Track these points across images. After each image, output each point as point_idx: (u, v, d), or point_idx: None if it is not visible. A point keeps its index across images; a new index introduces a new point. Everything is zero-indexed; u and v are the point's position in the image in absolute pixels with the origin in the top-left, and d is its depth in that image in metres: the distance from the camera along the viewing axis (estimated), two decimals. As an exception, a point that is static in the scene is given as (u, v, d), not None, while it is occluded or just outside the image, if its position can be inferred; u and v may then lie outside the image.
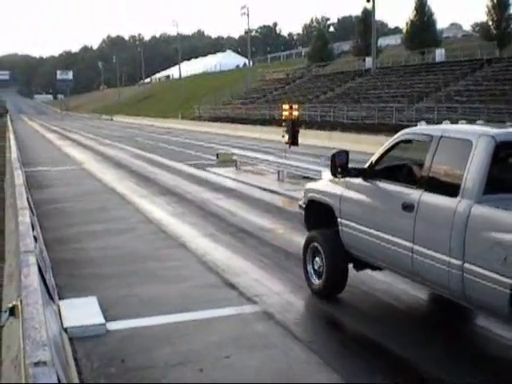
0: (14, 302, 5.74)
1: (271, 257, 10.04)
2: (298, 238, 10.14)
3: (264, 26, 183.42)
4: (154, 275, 9.04)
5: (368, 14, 62.39)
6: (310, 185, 8.76)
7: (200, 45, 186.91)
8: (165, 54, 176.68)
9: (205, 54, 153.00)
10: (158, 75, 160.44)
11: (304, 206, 8.47)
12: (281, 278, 8.77)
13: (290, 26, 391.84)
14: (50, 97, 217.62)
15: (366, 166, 7.30)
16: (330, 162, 7.49)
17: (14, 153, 21.72)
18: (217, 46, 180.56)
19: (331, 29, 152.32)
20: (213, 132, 52.91)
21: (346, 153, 7.38)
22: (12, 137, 34.89)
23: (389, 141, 7.24)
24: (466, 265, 5.45)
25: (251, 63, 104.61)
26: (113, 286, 8.53)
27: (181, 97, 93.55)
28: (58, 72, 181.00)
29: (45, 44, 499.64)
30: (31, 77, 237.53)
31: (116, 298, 7.89)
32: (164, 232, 12.15)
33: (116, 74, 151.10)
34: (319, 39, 78.64)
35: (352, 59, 68.77)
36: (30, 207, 11.11)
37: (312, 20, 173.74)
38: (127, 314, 7.37)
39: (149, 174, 22.55)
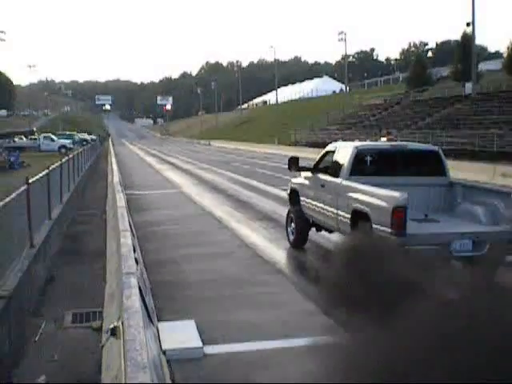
0: (115, 323, 5.87)
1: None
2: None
3: (361, 52, 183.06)
4: (252, 300, 9.05)
5: (468, 39, 60.96)
6: (292, 180, 13.93)
7: (297, 70, 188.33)
8: (262, 80, 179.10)
9: (301, 80, 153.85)
10: (255, 101, 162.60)
11: (288, 192, 13.93)
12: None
13: (388, 51, 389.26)
14: (151, 121, 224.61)
15: (314, 164, 12.59)
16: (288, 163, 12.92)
17: (115, 176, 22.45)
18: (313, 71, 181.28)
19: (429, 54, 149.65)
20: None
21: (297, 158, 12.89)
22: (114, 160, 36.14)
23: (322, 151, 12.83)
24: (339, 211, 10.63)
25: (348, 89, 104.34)
26: (211, 309, 8.59)
27: (277, 122, 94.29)
28: (159, 97, 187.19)
29: (146, 70, 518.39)
30: (132, 102, 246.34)
31: (213, 322, 7.94)
32: (261, 257, 12.17)
33: (214, 99, 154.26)
34: (417, 64, 77.50)
35: (451, 84, 67.23)
36: (131, 229, 11.38)
37: (410, 45, 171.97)
38: (224, 338, 7.39)
39: (245, 198, 22.71)
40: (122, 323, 5.49)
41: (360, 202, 9.75)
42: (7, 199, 8.14)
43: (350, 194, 10.18)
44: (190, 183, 29.19)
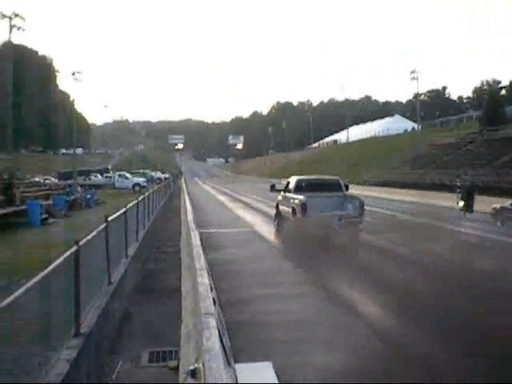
0: (195, 365, 5.81)
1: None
2: None
3: (433, 90, 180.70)
4: (328, 343, 8.85)
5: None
6: (278, 197, 24.62)
7: (367, 109, 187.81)
8: (333, 119, 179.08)
9: (372, 119, 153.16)
10: (325, 140, 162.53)
11: (275, 204, 24.80)
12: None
13: (460, 89, 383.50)
14: (222, 160, 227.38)
15: (283, 188, 24.22)
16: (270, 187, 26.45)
17: (189, 214, 22.66)
18: (384, 110, 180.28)
19: (503, 92, 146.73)
20: (380, 197, 52.26)
21: (274, 185, 26.78)
22: (187, 198, 36.57)
23: (288, 180, 24.30)
24: (288, 208, 22.09)
25: (420, 127, 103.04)
26: (287, 351, 8.45)
27: (348, 161, 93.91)
28: (230, 137, 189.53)
29: (217, 110, 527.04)
30: (204, 141, 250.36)
31: (290, 365, 7.78)
32: (336, 299, 11.95)
33: (284, 138, 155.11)
34: (491, 102, 76.03)
35: (526, 123, 65.53)
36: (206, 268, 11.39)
37: (483, 83, 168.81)
38: (302, 382, 7.23)
39: (317, 237, 22.51)
40: (203, 365, 5.43)
41: (293, 202, 21.45)
42: (89, 237, 8.27)
43: (291, 200, 21.88)
44: (261, 222, 29.17)
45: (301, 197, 20.58)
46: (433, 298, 11.83)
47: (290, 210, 21.35)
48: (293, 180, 23.18)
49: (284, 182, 25.78)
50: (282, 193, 23.75)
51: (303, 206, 20.01)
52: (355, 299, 12.01)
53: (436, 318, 10.17)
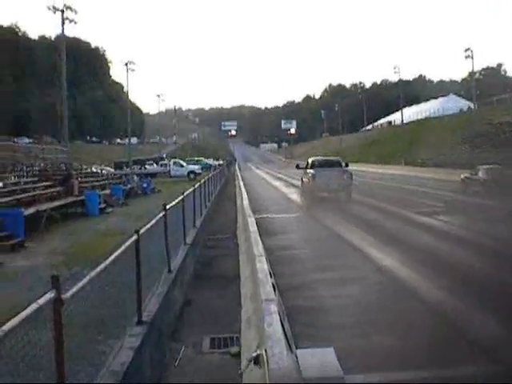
0: (258, 351, 5.82)
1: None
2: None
3: (488, 68, 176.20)
4: (390, 327, 8.75)
5: None
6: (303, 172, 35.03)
7: (421, 89, 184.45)
8: (386, 100, 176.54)
9: (427, 99, 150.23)
10: (379, 121, 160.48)
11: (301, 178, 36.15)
12: None
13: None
14: (275, 145, 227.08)
15: (305, 165, 34.47)
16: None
17: (245, 200, 22.73)
18: (439, 90, 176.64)
19: None
20: (437, 178, 51.33)
21: (298, 164, 39.07)
22: (241, 184, 36.70)
23: (307, 160, 35.30)
24: (305, 178, 34.31)
25: (476, 106, 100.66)
26: (349, 336, 8.38)
27: (403, 142, 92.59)
28: (283, 121, 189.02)
29: (269, 95, 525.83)
30: (257, 126, 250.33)
31: (353, 350, 7.70)
32: (395, 282, 11.81)
33: (338, 121, 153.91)
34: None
35: None
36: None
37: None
38: (366, 366, 7.15)
39: (373, 220, 22.30)
40: (265, 351, 5.43)
41: (308, 174, 32.25)
42: (148, 225, 8.34)
43: (308, 173, 32.28)
44: (316, 206, 29.05)
45: (312, 171, 31.72)
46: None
47: (307, 179, 32.75)
48: (309, 160, 34.26)
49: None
50: (304, 170, 34.17)
51: (313, 176, 31.15)
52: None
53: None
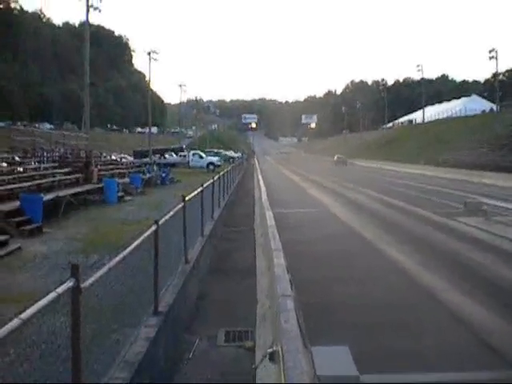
0: (273, 348, 5.78)
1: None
2: None
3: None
4: (405, 328, 8.69)
5: None
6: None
7: (444, 89, 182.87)
8: (408, 99, 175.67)
9: (449, 99, 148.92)
10: (400, 120, 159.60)
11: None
12: None
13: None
14: (295, 139, 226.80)
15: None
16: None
17: (263, 194, 22.66)
18: (461, 90, 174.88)
19: None
20: (458, 179, 50.97)
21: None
22: (260, 177, 36.64)
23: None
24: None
25: (498, 108, 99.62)
26: (363, 335, 8.33)
27: (424, 142, 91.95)
28: (303, 116, 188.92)
29: (291, 89, 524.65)
30: (277, 120, 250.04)
31: (367, 349, 7.66)
32: (411, 281, 11.72)
33: (359, 118, 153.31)
34: None
35: None
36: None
37: None
38: (379, 366, 7.10)
39: (392, 219, 22.19)
40: (281, 347, 5.40)
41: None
42: (167, 216, 8.32)
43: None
44: (333, 202, 28.99)
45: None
46: None
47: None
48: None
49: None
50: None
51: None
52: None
53: None
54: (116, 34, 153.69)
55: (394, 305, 10.09)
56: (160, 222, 7.50)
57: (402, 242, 16.70)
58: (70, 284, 4.03)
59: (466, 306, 9.97)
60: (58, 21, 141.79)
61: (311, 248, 15.96)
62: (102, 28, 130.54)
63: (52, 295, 3.76)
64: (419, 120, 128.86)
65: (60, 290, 3.88)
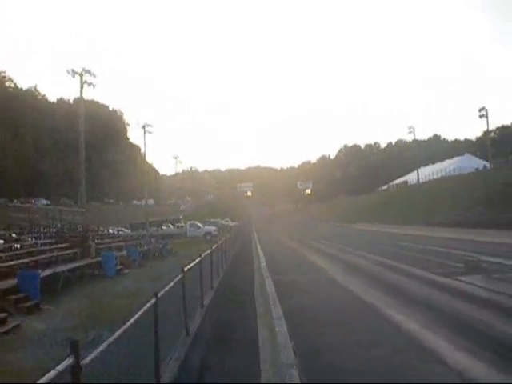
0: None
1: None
2: None
3: (503, 127, 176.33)
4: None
5: None
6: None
7: (437, 149, 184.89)
8: (401, 160, 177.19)
9: (442, 159, 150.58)
10: (395, 181, 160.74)
11: None
12: None
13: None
14: (290, 205, 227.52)
15: None
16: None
17: (262, 261, 22.63)
18: (454, 149, 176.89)
19: None
20: (456, 238, 50.84)
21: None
22: (258, 245, 36.62)
23: None
24: None
25: (491, 166, 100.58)
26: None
27: (420, 203, 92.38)
28: (298, 183, 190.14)
29: (284, 156, 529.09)
30: (272, 187, 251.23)
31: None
32: (418, 345, 11.52)
33: (353, 181, 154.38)
34: None
35: None
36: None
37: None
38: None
39: (395, 282, 21.99)
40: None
41: None
42: (166, 288, 8.26)
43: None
44: (335, 267, 28.73)
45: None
46: None
47: None
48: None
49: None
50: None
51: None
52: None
53: None
54: (110, 108, 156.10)
55: (401, 373, 9.90)
56: (159, 295, 7.44)
57: (403, 305, 16.53)
58: (69, 361, 3.96)
59: (473, 366, 9.81)
60: (53, 97, 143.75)
61: (317, 316, 15.72)
62: (97, 103, 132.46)
63: (52, 373, 3.69)
64: (414, 181, 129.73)
65: (60, 367, 3.81)
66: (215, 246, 20.09)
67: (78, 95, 49.36)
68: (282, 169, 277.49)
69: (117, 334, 5.32)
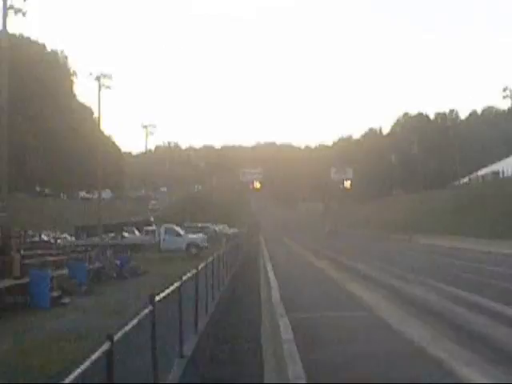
0: None
1: None
2: None
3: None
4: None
5: None
6: None
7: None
8: (491, 139, 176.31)
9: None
10: (480, 172, 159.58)
11: None
12: None
13: None
14: (320, 206, 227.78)
15: None
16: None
17: (274, 291, 22.50)
18: None
19: None
20: None
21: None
22: (269, 266, 36.40)
23: None
24: None
25: None
26: None
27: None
28: (333, 169, 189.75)
29: (313, 128, 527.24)
30: (293, 175, 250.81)
31: None
32: None
33: (417, 169, 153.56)
34: None
35: None
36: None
37: None
38: None
39: (480, 328, 21.94)
40: None
41: None
42: (126, 328, 8.28)
43: None
44: (385, 301, 28.64)
45: None
46: None
47: None
48: None
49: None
50: None
51: None
52: None
53: None
54: (49, 49, 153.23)
55: None
56: (115, 338, 7.41)
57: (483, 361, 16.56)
58: None
59: None
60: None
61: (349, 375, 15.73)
62: (28, 40, 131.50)
63: None
64: (510, 172, 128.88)
65: None
66: (203, 264, 20.05)
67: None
68: (307, 147, 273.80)
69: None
